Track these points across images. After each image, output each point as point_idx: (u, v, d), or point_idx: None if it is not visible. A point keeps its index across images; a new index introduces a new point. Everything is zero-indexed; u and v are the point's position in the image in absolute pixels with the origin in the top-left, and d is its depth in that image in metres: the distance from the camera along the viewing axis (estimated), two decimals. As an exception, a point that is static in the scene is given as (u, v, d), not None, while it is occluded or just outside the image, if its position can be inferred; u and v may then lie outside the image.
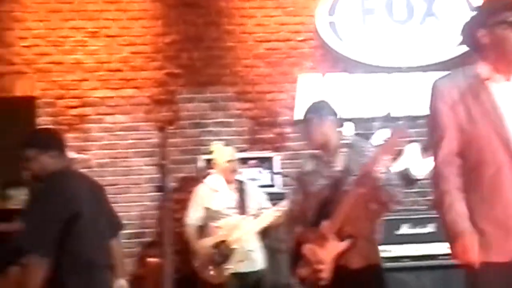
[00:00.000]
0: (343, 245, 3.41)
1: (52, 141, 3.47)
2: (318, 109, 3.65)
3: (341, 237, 3.42)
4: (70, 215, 3.21)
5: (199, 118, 6.25)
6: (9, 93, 6.10)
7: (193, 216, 5.08)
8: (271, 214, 5.04)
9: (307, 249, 3.50)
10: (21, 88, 6.13)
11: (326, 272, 3.39)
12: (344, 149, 3.61)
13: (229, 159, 5.13)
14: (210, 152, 5.61)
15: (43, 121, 6.11)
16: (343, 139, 3.68)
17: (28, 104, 6.11)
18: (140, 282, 5.58)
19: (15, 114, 6.13)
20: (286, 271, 5.37)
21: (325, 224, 3.44)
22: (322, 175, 3.61)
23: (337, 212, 3.40)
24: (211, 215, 5.06)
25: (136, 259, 5.95)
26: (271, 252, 5.30)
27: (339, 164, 3.58)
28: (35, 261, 3.11)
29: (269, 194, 5.36)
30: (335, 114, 3.69)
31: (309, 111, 3.69)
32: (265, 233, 5.12)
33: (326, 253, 3.41)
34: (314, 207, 3.57)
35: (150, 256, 5.65)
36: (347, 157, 3.57)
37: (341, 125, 3.80)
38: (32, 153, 3.37)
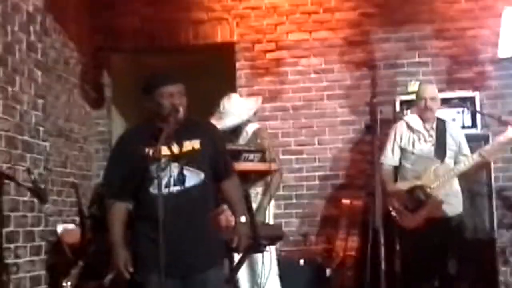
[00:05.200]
0: None
1: None
2: None
3: None
4: None
5: (395, 58, 6.00)
6: (210, 39, 6.24)
7: (389, 155, 4.87)
8: (472, 159, 4.69)
9: None
10: (221, 34, 6.24)
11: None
12: None
13: (431, 96, 4.79)
14: (409, 93, 5.34)
15: (241, 65, 6.23)
16: None
17: (227, 50, 6.23)
18: (334, 223, 5.58)
19: (216, 59, 6.31)
20: (486, 215, 5.11)
21: None
22: None
23: None
24: (408, 156, 4.83)
25: (329, 200, 5.95)
26: (471, 195, 5.03)
27: None
28: None
29: (470, 135, 5.02)
30: None
31: None
32: (464, 176, 4.78)
33: None
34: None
35: (344, 198, 5.62)
36: None
37: None
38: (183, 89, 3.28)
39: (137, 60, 6.68)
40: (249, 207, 3.85)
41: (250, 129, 4.65)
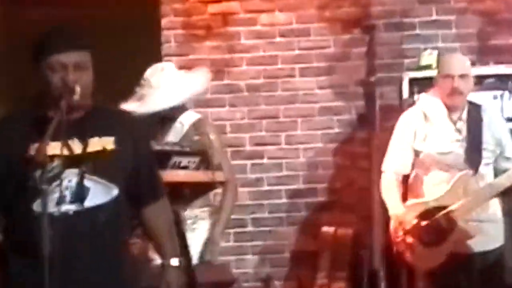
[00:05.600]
0: None
1: None
2: None
3: None
4: None
5: (401, 15, 6.04)
6: (124, -16, 6.26)
7: (396, 160, 4.90)
8: None
9: None
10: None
11: None
12: None
13: (460, 73, 4.79)
14: (423, 67, 5.36)
15: (170, 23, 6.25)
16: None
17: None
18: (310, 261, 5.64)
19: (134, 14, 6.35)
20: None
21: None
22: None
23: None
24: (423, 162, 4.86)
25: (303, 227, 6.02)
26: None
27: None
28: None
29: (512, 131, 5.13)
30: None
31: None
32: (505, 193, 4.82)
33: None
34: None
35: (325, 224, 5.69)
36: None
37: None
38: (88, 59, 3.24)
39: (15, 14, 6.57)
40: (183, 240, 3.95)
41: (186, 120, 4.65)
